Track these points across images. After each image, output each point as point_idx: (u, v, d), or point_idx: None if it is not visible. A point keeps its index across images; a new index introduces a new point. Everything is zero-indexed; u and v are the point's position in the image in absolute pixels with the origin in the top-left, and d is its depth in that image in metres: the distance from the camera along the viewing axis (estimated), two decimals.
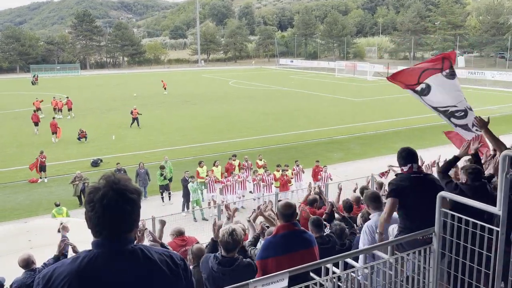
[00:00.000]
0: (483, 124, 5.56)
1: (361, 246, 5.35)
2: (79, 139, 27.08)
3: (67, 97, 37.86)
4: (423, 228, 4.29)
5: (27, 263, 5.96)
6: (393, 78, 6.61)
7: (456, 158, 5.87)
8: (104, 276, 2.09)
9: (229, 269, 4.46)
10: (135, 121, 31.43)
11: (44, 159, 20.53)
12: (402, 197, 4.81)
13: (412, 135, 28.27)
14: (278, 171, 17.71)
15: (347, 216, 7.66)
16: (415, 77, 6.28)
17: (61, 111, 35.26)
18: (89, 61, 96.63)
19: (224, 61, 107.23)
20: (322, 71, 79.11)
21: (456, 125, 6.65)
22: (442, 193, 4.06)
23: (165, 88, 49.58)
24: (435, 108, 6.49)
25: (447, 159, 5.83)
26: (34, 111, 32.48)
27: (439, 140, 24.90)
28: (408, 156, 4.95)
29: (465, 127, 6.56)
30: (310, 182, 13.02)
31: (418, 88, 6.21)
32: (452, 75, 6.18)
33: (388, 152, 23.54)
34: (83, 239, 5.89)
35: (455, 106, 6.36)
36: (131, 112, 31.51)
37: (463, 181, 5.53)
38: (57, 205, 14.58)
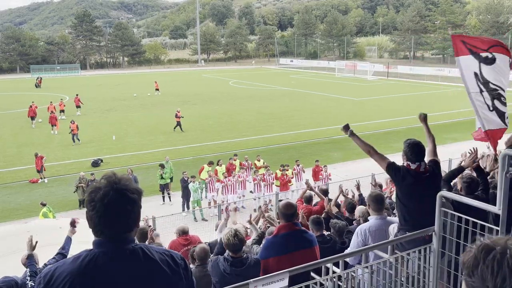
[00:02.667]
0: None
1: (351, 248, 5.26)
2: (73, 139, 26.51)
3: (77, 95, 38.05)
4: (422, 225, 4.28)
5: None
6: (458, 37, 6.07)
7: (461, 168, 5.87)
8: (105, 275, 2.09)
9: (242, 269, 4.47)
10: (178, 124, 29.92)
11: (43, 159, 20.57)
12: (402, 193, 4.76)
13: (412, 134, 28.11)
14: (281, 170, 17.74)
15: (349, 217, 7.61)
16: (486, 45, 5.79)
17: (63, 112, 35.12)
18: (89, 61, 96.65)
19: (224, 61, 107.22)
20: (322, 70, 79.12)
21: (492, 109, 6.20)
22: (442, 193, 4.06)
23: (157, 89, 48.78)
24: (486, 83, 5.99)
25: (453, 169, 5.83)
26: (30, 106, 32.82)
27: (438, 140, 24.94)
28: (419, 152, 4.77)
29: (500, 113, 6.15)
30: (307, 179, 13.01)
31: (484, 54, 5.69)
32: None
33: (388, 152, 23.46)
34: (84, 238, 5.89)
35: (503, 91, 5.97)
36: (176, 115, 29.94)
37: (459, 190, 5.56)
38: (43, 205, 14.48)
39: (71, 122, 26.96)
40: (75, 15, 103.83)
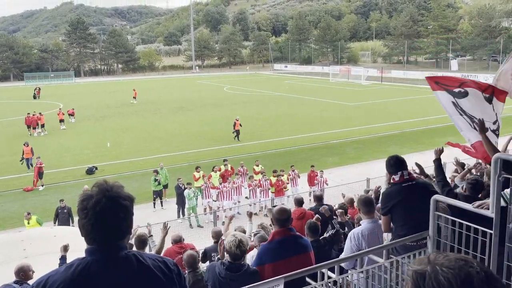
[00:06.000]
0: (482, 129, 5.54)
1: (346, 252, 5.31)
2: (27, 165, 22.81)
3: (73, 109, 38.08)
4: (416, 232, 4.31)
5: (17, 272, 5.91)
6: (432, 78, 6.54)
7: (437, 161, 5.93)
8: (99, 283, 2.09)
9: (237, 275, 4.47)
10: (237, 133, 28.68)
11: (42, 165, 20.51)
12: (395, 211, 4.83)
13: (406, 138, 28.38)
14: (275, 176, 17.73)
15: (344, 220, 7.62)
16: (457, 83, 6.30)
17: (63, 122, 34.71)
18: (83, 69, 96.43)
19: (219, 67, 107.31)
20: (317, 75, 79.37)
21: (474, 128, 6.59)
22: (436, 197, 4.08)
23: (134, 97, 48.17)
24: (463, 112, 6.39)
25: (434, 167, 5.87)
26: (28, 114, 32.77)
27: (433, 144, 25.07)
28: (397, 163, 4.93)
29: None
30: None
31: (456, 90, 6.15)
32: (489, 100, 6.18)
33: (383, 156, 23.56)
34: (77, 247, 5.89)
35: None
36: (234, 124, 28.81)
37: (463, 191, 5.59)
38: (29, 214, 14.27)
39: (24, 145, 23.31)
40: (69, 23, 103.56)
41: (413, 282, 1.44)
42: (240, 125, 28.86)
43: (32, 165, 22.17)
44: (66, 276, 2.08)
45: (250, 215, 7.45)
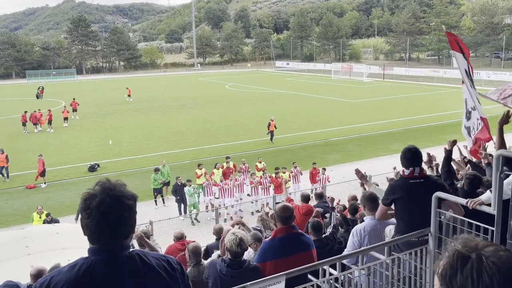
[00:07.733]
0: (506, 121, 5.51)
1: (348, 248, 5.32)
2: (1, 173, 21.79)
3: (74, 99, 38.41)
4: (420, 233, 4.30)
5: (37, 275, 5.74)
6: (452, 36, 6.64)
7: (448, 152, 5.93)
8: (103, 283, 2.07)
9: (238, 271, 4.48)
10: (271, 134, 27.23)
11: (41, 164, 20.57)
12: (397, 206, 4.76)
13: (408, 136, 28.30)
14: (277, 173, 17.76)
15: (351, 218, 7.61)
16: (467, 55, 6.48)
17: (66, 120, 34.55)
18: (85, 66, 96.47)
19: (220, 64, 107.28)
20: (318, 73, 79.25)
21: (464, 126, 6.70)
22: (438, 194, 4.08)
23: (129, 95, 47.99)
24: (472, 84, 6.53)
25: (444, 157, 5.88)
26: (25, 112, 32.78)
27: (434, 141, 25.00)
28: (412, 158, 4.69)
29: (468, 129, 6.56)
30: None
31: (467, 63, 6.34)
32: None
33: (385, 153, 23.61)
34: (79, 245, 5.88)
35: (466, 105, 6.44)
36: (268, 125, 27.20)
37: (462, 186, 5.59)
38: (42, 207, 14.89)
39: None
40: (70, 20, 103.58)
41: (449, 260, 1.30)
42: (275, 126, 27.14)
43: (5, 175, 21.66)
44: (69, 276, 2.06)
45: (243, 224, 7.24)
